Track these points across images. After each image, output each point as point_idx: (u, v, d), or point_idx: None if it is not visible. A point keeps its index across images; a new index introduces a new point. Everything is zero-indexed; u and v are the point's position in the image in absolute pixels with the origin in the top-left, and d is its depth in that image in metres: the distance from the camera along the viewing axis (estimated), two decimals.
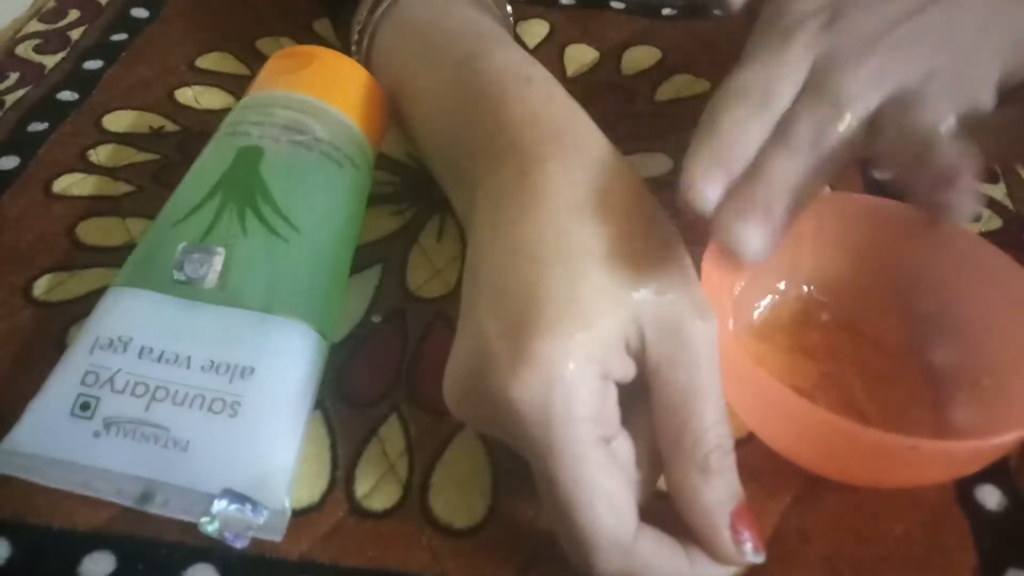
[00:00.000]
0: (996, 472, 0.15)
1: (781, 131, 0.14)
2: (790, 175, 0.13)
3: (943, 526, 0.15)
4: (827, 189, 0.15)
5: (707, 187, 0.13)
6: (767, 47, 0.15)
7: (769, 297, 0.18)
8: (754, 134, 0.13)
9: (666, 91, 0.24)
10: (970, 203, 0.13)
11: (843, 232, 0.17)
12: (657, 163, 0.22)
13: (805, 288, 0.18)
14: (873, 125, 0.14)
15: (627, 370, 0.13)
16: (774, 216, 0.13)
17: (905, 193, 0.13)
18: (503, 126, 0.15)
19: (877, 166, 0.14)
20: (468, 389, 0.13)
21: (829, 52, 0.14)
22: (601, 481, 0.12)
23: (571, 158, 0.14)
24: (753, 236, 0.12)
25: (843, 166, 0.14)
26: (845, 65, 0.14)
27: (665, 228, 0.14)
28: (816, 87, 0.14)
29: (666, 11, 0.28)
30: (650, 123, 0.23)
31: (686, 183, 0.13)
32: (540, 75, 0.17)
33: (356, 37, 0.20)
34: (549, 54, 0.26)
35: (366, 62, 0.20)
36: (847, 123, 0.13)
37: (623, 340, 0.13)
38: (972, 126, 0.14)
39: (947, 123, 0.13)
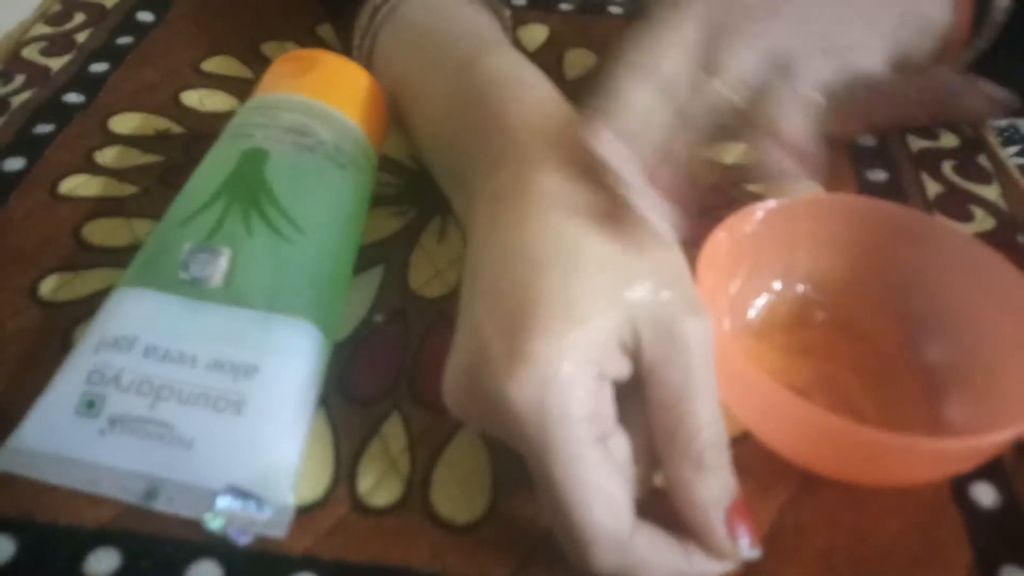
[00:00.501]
0: (991, 470, 0.15)
1: (672, 101, 0.15)
2: (689, 147, 0.15)
3: (939, 523, 0.15)
4: (822, 190, 0.16)
5: (602, 150, 0.14)
6: (656, 19, 0.16)
7: (765, 297, 0.18)
8: (640, 101, 0.15)
9: None
10: (795, 167, 0.14)
11: (838, 232, 0.17)
12: None
13: (801, 288, 0.18)
14: (756, 90, 0.15)
15: (622, 369, 0.13)
16: (681, 193, 0.14)
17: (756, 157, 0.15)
18: (500, 129, 0.16)
19: (748, 132, 0.16)
20: (466, 389, 0.13)
21: (721, 23, 0.16)
22: (597, 479, 0.12)
23: (566, 160, 0.14)
24: (665, 221, 0.14)
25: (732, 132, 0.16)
26: (733, 36, 0.15)
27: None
28: (705, 59, 0.16)
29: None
30: None
31: (583, 135, 0.14)
32: (535, 78, 0.17)
33: (357, 42, 0.20)
34: (549, 58, 0.26)
35: (367, 66, 0.20)
36: (726, 93, 0.15)
37: (618, 339, 0.13)
38: (858, 89, 0.16)
39: (806, 90, 0.15)
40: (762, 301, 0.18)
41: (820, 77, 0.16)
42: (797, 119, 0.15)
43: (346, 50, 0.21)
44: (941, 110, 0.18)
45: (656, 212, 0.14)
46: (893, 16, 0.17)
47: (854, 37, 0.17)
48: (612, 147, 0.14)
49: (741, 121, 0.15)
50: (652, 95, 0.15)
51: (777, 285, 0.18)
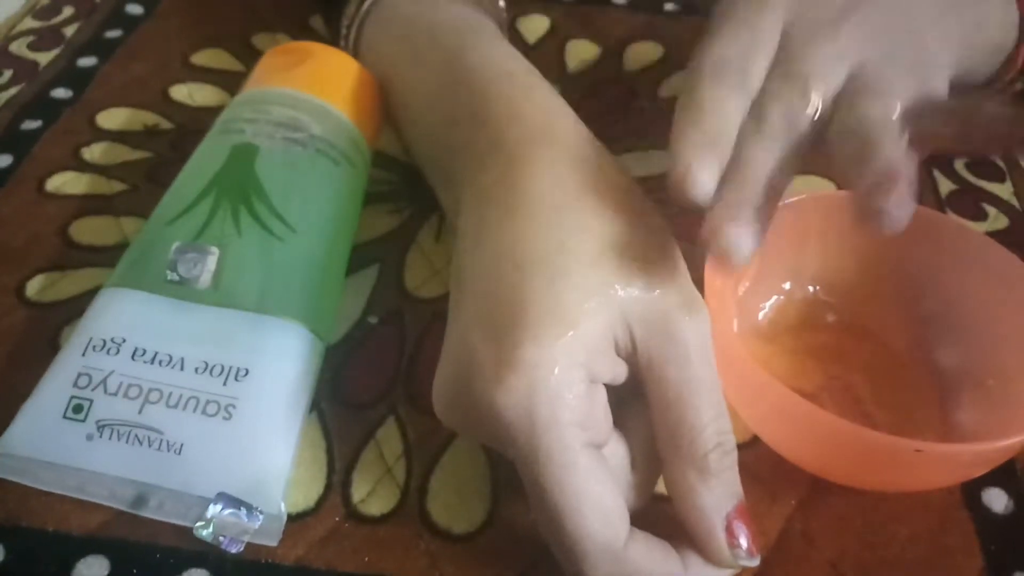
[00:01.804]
0: (1003, 475, 0.15)
1: (755, 118, 0.14)
2: (769, 166, 0.13)
3: (949, 529, 0.15)
4: (833, 187, 0.15)
5: (702, 175, 0.13)
6: (739, 16, 0.14)
7: (774, 298, 0.17)
8: (734, 115, 0.13)
9: (669, 87, 0.24)
10: (904, 209, 0.12)
11: (849, 232, 0.17)
12: (661, 161, 0.22)
13: (811, 289, 0.17)
14: (835, 104, 0.14)
15: (616, 371, 0.13)
16: (761, 214, 0.13)
17: (844, 185, 0.14)
18: (485, 124, 0.15)
19: (828, 154, 0.13)
20: (455, 396, 0.13)
21: (798, 23, 0.14)
22: (589, 487, 0.12)
23: (554, 156, 0.14)
24: (744, 239, 0.13)
25: (811, 146, 0.14)
26: (813, 40, 0.14)
27: (652, 222, 0.14)
28: (786, 65, 0.14)
29: (668, 6, 0.27)
30: (653, 120, 0.23)
31: (680, 171, 0.13)
32: (522, 70, 0.16)
33: (344, 31, 0.19)
34: (550, 50, 0.25)
35: (354, 58, 0.19)
36: (815, 105, 0.14)
37: (610, 341, 0.12)
38: (924, 112, 0.14)
39: (897, 110, 0.13)
40: (772, 302, 0.17)
41: (901, 94, 0.14)
42: (896, 154, 0.13)
43: (335, 41, 0.20)
44: (988, 141, 0.16)
45: (737, 248, 0.12)
46: (958, 35, 0.16)
47: (929, 54, 0.15)
48: (702, 181, 0.12)
49: (820, 134, 0.13)
50: (739, 113, 0.13)
51: (786, 286, 0.17)
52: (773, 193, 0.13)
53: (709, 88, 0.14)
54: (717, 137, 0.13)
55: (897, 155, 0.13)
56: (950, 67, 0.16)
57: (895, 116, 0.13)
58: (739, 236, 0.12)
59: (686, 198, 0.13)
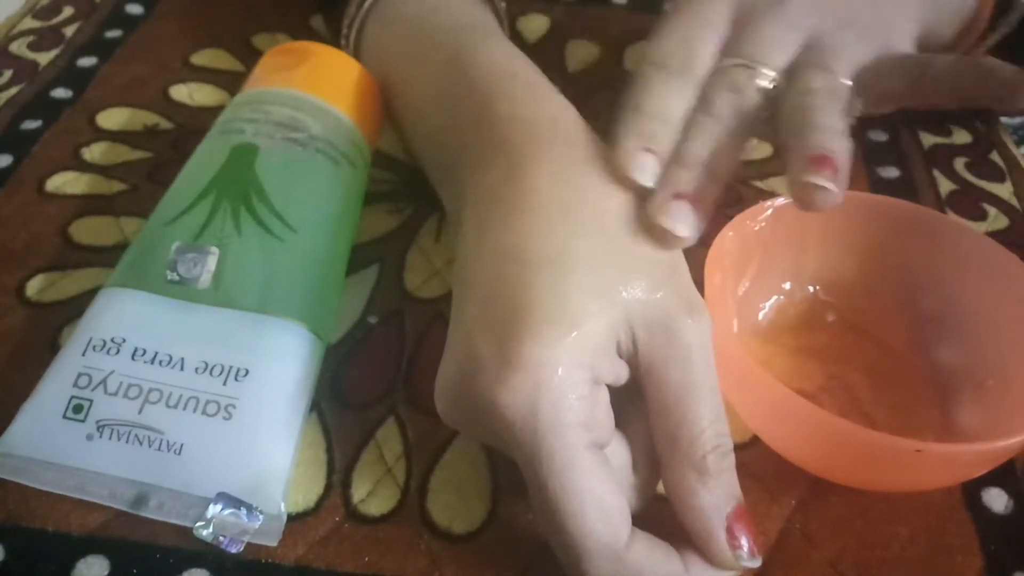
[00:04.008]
0: (1003, 475, 0.15)
1: (704, 99, 0.15)
2: (709, 147, 0.14)
3: (949, 529, 0.15)
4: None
5: (637, 170, 0.14)
6: (686, 5, 0.16)
7: (774, 298, 0.17)
8: (675, 102, 0.14)
9: None
10: (831, 193, 0.13)
11: (849, 232, 0.17)
12: None
13: (811, 288, 0.18)
14: (787, 78, 0.15)
15: (618, 372, 0.13)
16: (703, 198, 0.14)
17: (784, 158, 0.14)
18: (490, 124, 0.15)
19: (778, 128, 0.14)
20: (458, 396, 0.13)
21: (747, 5, 0.15)
22: (591, 488, 0.12)
23: (558, 156, 0.14)
24: (685, 216, 0.13)
25: (763, 120, 0.15)
26: (762, 19, 0.15)
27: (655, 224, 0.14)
28: (734, 47, 0.15)
29: (668, 6, 0.27)
30: None
31: (620, 166, 0.14)
32: (526, 70, 0.16)
33: (345, 31, 0.19)
34: (550, 49, 0.25)
35: (354, 57, 0.19)
36: (761, 83, 0.15)
37: (613, 342, 0.13)
38: (881, 71, 0.15)
39: (841, 83, 0.14)
40: (771, 302, 0.17)
41: (857, 59, 0.15)
42: (835, 124, 0.14)
43: (335, 41, 0.20)
44: (974, 95, 0.17)
45: (683, 223, 0.13)
46: (926, 3, 0.17)
47: (887, 16, 0.16)
48: (643, 164, 0.13)
49: (774, 113, 0.15)
50: (684, 98, 0.14)
51: (786, 285, 0.17)
52: (720, 171, 0.14)
53: (650, 81, 0.14)
54: (653, 130, 0.14)
55: (830, 131, 0.14)
56: (912, 25, 0.17)
57: (838, 90, 0.14)
58: (679, 213, 0.13)
59: (633, 182, 0.14)
